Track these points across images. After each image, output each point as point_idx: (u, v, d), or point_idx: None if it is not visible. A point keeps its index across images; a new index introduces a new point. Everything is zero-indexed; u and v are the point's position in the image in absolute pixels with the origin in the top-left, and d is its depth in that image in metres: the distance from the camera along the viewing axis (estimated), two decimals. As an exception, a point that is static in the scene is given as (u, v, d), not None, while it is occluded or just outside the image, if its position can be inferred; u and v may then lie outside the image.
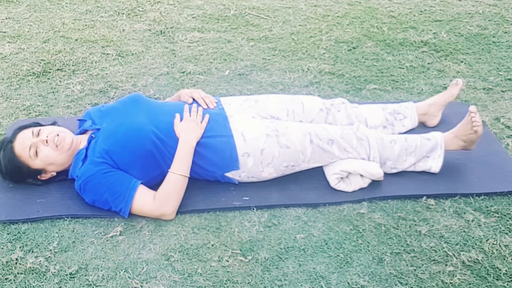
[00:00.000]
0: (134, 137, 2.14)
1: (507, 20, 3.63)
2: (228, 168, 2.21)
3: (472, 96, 2.86)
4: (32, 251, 1.98)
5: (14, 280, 1.87)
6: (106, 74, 3.05)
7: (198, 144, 2.18)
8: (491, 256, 1.96)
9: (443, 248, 1.99)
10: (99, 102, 2.80)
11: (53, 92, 2.90)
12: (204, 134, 2.21)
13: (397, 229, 2.07)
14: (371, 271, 1.91)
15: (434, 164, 2.29)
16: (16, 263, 1.93)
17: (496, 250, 1.98)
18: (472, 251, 1.98)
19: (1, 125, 2.63)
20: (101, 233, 2.05)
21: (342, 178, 2.23)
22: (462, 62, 3.17)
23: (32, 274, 1.90)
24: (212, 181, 2.25)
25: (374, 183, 2.25)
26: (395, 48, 3.31)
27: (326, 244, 2.01)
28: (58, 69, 3.09)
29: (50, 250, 1.99)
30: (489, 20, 3.62)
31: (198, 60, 3.20)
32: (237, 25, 3.58)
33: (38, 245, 2.01)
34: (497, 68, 3.11)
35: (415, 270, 1.91)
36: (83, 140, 2.24)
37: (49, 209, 2.13)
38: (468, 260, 1.94)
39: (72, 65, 3.13)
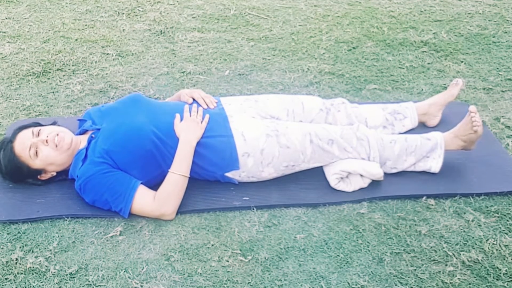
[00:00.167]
0: (134, 137, 2.14)
1: (507, 20, 3.64)
2: (228, 168, 2.21)
3: (472, 96, 2.86)
4: (32, 251, 1.98)
5: (14, 280, 1.87)
6: (106, 74, 3.05)
7: (198, 144, 2.18)
8: (491, 256, 1.96)
9: (443, 248, 1.99)
10: (99, 102, 2.80)
11: (53, 92, 2.90)
12: (204, 134, 2.21)
13: (397, 229, 2.07)
14: (371, 271, 1.91)
15: (434, 164, 2.29)
16: (16, 263, 1.93)
17: (496, 250, 1.98)
18: (472, 251, 1.98)
19: (1, 125, 2.64)
20: (101, 233, 2.05)
21: (342, 178, 2.23)
22: (462, 62, 3.17)
23: (32, 274, 1.90)
24: (212, 181, 2.25)
25: (374, 183, 2.25)
26: (395, 48, 3.31)
27: (326, 244, 2.01)
28: (58, 69, 3.09)
29: (50, 250, 1.99)
30: (489, 20, 3.62)
31: (198, 60, 3.20)
32: (237, 25, 3.58)
33: (38, 245, 2.01)
34: (497, 68, 3.11)
35: (415, 270, 1.91)
36: (83, 140, 2.24)
37: (49, 209, 2.13)
38: (468, 260, 1.94)
39: (72, 65, 3.13)
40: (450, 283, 1.86)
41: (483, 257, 1.95)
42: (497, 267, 1.92)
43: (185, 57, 3.22)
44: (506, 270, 1.91)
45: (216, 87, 2.95)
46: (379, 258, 1.96)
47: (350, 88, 2.94)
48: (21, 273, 1.90)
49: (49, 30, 3.50)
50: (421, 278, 1.88)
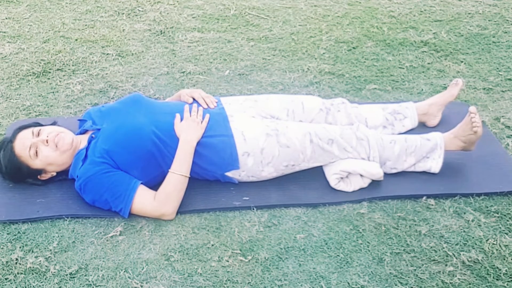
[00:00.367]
0: (134, 137, 2.14)
1: (507, 20, 3.63)
2: (228, 168, 2.21)
3: (472, 96, 2.86)
4: (32, 251, 1.98)
5: (14, 280, 1.87)
6: (106, 74, 3.05)
7: (198, 143, 2.18)
8: (491, 256, 1.96)
9: (443, 248, 1.99)
10: (99, 102, 2.80)
11: (53, 92, 2.90)
12: (204, 134, 2.21)
13: (397, 229, 2.07)
14: (371, 271, 1.91)
15: (434, 165, 2.29)
16: (16, 263, 1.93)
17: (496, 250, 1.98)
18: (472, 251, 1.98)
19: (1, 125, 2.63)
20: (101, 233, 2.05)
21: (342, 178, 2.23)
22: (462, 62, 3.17)
23: (32, 274, 1.90)
24: (212, 181, 2.26)
25: (374, 183, 2.25)
26: (395, 48, 3.31)
27: (326, 244, 2.01)
28: (58, 69, 3.09)
29: (50, 250, 1.99)
30: (489, 20, 3.62)
31: (198, 60, 3.20)
32: (237, 25, 3.58)
33: (38, 245, 2.01)
34: (497, 68, 3.11)
35: (415, 270, 1.91)
36: (83, 140, 2.23)
37: (49, 209, 2.13)
38: (468, 260, 1.94)
39: (72, 65, 3.13)
40: (450, 283, 1.87)
41: (483, 257, 1.95)
42: (497, 267, 1.92)
43: (185, 57, 3.22)
44: (506, 270, 1.91)
45: (216, 87, 2.95)
46: (379, 258, 1.96)
47: (350, 88, 2.94)
48: (21, 273, 1.90)
49: (49, 30, 3.50)
50: (421, 278, 1.88)
